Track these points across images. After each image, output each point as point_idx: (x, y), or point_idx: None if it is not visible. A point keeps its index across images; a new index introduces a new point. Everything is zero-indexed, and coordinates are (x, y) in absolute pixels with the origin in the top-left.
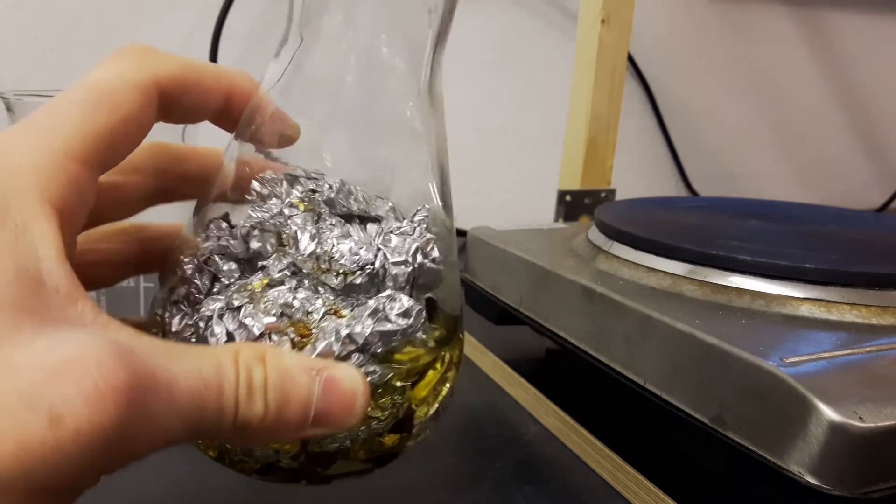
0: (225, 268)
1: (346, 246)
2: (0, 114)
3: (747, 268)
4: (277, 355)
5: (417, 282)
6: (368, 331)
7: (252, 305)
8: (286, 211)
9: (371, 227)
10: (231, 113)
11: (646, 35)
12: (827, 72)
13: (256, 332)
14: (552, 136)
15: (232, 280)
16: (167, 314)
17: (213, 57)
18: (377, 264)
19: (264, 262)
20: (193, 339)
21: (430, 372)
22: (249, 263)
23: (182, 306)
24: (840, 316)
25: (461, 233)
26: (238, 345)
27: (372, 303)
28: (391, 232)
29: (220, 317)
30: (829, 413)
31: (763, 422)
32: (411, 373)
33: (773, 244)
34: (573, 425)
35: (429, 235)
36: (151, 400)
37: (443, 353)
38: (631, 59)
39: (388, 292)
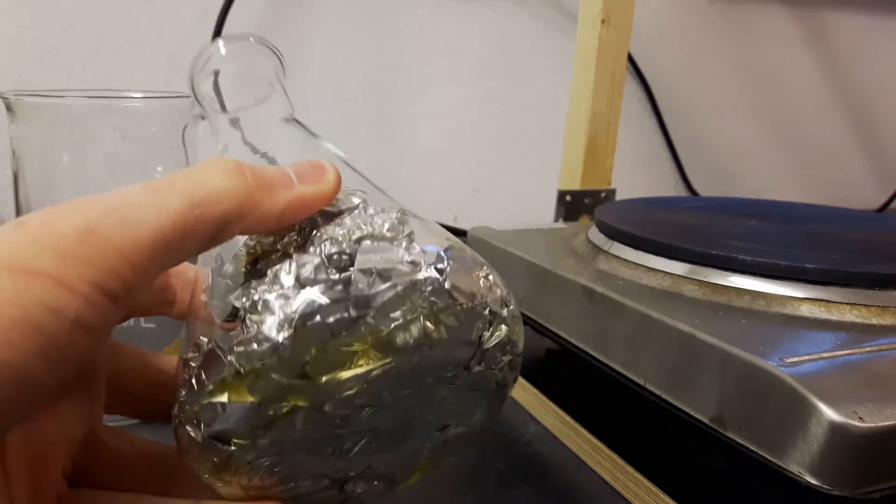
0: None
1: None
2: (0, 114)
3: (747, 268)
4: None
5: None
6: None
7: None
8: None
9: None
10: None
11: (646, 35)
12: (827, 72)
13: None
14: (552, 136)
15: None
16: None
17: None
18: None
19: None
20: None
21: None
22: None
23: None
24: (840, 316)
25: (461, 232)
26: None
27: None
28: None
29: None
30: (829, 413)
31: (763, 422)
32: None
33: (773, 244)
34: (573, 425)
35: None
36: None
37: None
38: (631, 59)
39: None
